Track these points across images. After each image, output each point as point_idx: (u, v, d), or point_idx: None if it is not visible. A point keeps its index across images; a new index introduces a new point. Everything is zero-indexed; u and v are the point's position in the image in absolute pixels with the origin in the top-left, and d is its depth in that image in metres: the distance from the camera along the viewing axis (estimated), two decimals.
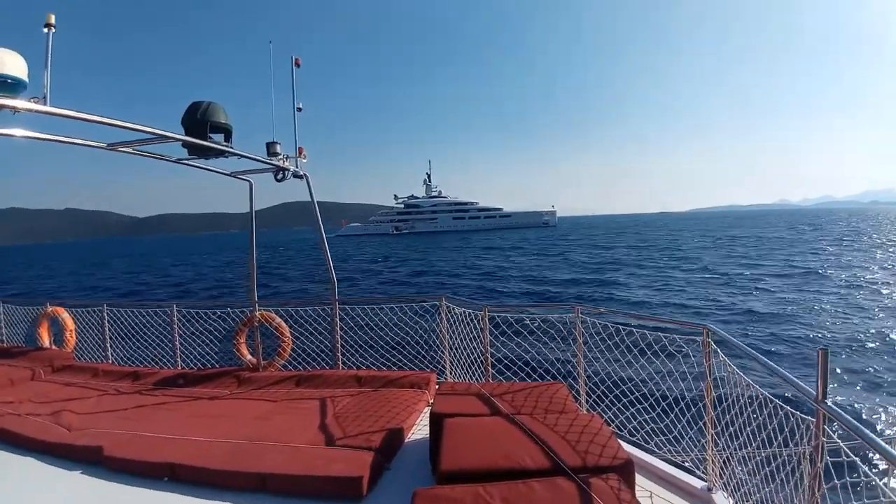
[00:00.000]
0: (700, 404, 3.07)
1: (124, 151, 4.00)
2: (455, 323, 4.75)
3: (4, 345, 6.77)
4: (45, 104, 2.78)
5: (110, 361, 6.20)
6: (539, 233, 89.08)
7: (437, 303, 4.87)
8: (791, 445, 2.20)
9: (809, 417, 2.01)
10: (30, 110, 2.77)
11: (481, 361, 4.53)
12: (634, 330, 3.64)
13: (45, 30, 2.77)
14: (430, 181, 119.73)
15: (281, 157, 4.75)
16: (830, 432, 1.92)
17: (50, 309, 6.54)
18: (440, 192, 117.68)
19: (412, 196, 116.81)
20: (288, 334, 5.32)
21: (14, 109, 2.73)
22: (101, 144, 3.87)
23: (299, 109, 4.88)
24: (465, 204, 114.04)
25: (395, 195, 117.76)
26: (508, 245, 57.91)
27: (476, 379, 4.55)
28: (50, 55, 2.75)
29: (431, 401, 3.97)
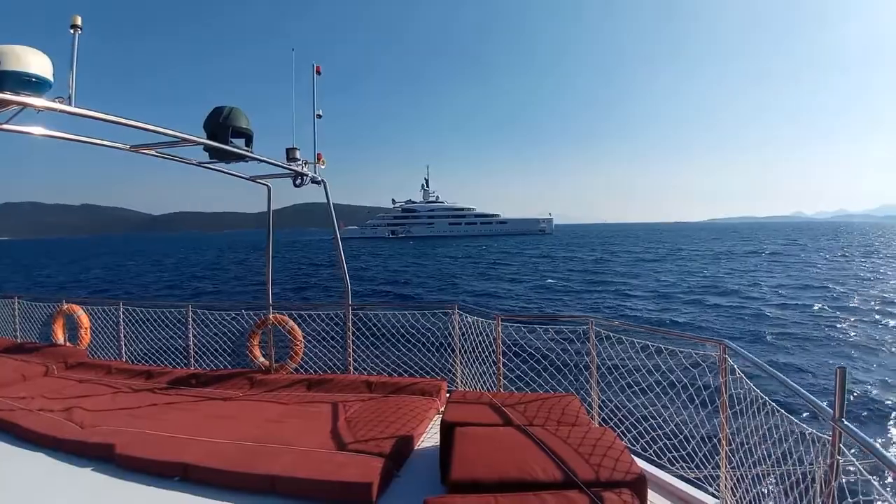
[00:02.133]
0: (715, 420, 3.09)
1: (147, 154, 4.03)
2: (467, 331, 4.76)
3: (18, 341, 6.72)
4: (69, 104, 2.80)
5: (124, 360, 6.18)
6: (530, 240, 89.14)
7: (450, 310, 4.88)
8: (806, 463, 2.23)
9: (825, 436, 2.03)
10: (54, 110, 2.79)
11: (493, 371, 4.53)
12: (649, 344, 3.66)
13: (72, 31, 2.79)
14: (427, 186, 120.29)
15: (300, 162, 4.82)
16: (846, 451, 1.95)
17: (66, 306, 6.53)
18: (437, 197, 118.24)
19: (410, 201, 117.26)
20: (300, 338, 5.32)
21: (38, 109, 2.77)
22: (124, 146, 3.90)
23: (319, 116, 4.94)
24: (462, 210, 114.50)
25: (393, 199, 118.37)
26: (491, 253, 59.26)
27: (487, 388, 4.55)
28: (76, 56, 2.77)
29: (442, 409, 3.98)
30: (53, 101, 2.78)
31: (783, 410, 2.48)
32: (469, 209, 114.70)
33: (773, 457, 2.53)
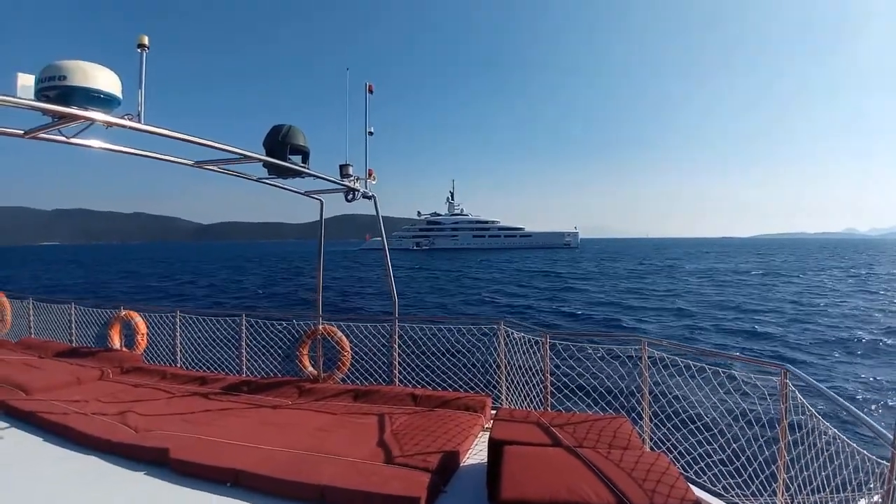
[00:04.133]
0: (774, 447, 3.02)
1: (210, 169, 4.20)
2: (513, 348, 4.74)
3: (74, 345, 6.95)
4: (138, 121, 2.93)
5: (179, 366, 6.32)
6: (552, 255, 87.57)
7: (496, 326, 4.88)
8: (864, 490, 2.17)
9: (884, 462, 2.00)
10: (123, 127, 2.92)
11: (540, 389, 4.48)
12: (706, 367, 3.59)
13: (139, 50, 2.92)
14: (452, 199, 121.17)
15: (352, 178, 4.97)
16: None
17: (124, 312, 6.73)
18: (462, 209, 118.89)
19: (435, 213, 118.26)
20: (348, 348, 5.42)
21: (107, 125, 2.89)
22: (188, 162, 4.06)
23: (371, 133, 5.09)
24: (487, 222, 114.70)
25: (419, 211, 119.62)
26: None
27: (533, 406, 4.51)
28: (143, 74, 2.90)
29: (487, 425, 3.97)
30: (122, 117, 2.91)
31: (844, 437, 2.42)
32: (493, 222, 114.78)
33: (832, 484, 2.46)
